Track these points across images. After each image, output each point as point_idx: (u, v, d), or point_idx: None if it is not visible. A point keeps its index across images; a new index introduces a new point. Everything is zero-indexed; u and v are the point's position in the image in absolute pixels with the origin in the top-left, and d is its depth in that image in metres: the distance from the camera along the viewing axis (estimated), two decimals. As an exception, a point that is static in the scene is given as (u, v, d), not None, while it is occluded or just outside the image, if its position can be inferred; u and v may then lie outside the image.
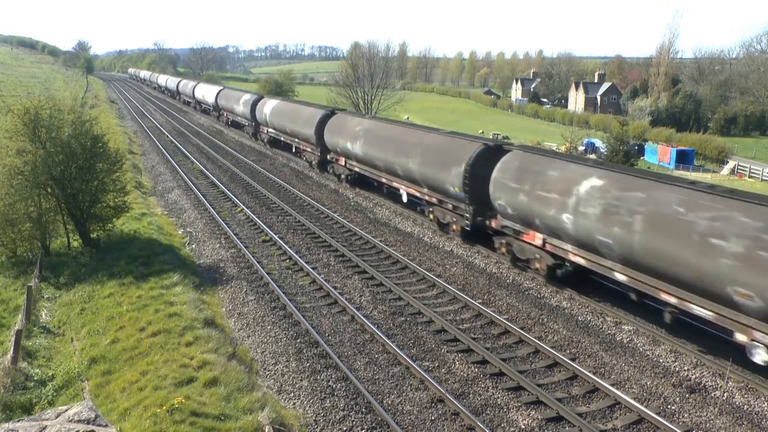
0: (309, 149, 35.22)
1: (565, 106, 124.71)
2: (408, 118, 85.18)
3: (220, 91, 60.68)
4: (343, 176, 31.19)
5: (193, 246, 22.11)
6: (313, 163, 34.86)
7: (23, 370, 12.70)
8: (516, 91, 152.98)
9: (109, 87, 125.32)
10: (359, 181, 30.24)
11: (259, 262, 19.54)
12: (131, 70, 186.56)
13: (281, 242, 21.45)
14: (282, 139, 40.77)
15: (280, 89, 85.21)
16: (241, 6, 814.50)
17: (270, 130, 43.16)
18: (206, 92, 66.96)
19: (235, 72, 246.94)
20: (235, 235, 22.58)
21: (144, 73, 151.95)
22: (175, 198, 29.90)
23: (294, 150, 38.69)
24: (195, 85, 76.23)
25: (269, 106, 42.55)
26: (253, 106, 46.26)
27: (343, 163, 30.91)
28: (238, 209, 26.88)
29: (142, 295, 16.34)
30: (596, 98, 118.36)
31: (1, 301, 17.23)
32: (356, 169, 29.42)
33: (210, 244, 22.00)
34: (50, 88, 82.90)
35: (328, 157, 32.89)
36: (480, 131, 75.41)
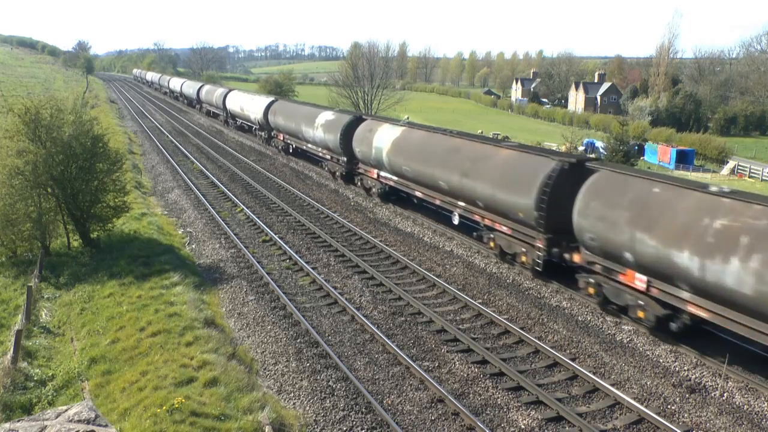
0: (507, 230, 18.56)
1: (565, 106, 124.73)
2: (408, 118, 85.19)
3: (272, 103, 43.26)
4: (678, 324, 13.79)
5: (193, 246, 22.12)
6: (526, 259, 18.02)
7: (23, 370, 12.70)
8: (516, 91, 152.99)
9: (109, 87, 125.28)
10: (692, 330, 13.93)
11: (259, 262, 19.54)
12: (136, 71, 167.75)
13: (281, 242, 21.46)
14: (418, 194, 23.87)
15: (280, 89, 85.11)
16: (241, 6, 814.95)
17: (386, 175, 25.92)
18: (248, 104, 48.51)
19: (235, 72, 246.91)
20: (235, 235, 22.58)
21: (152, 76, 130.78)
22: (175, 198, 29.91)
23: (456, 220, 21.78)
24: (226, 94, 56.75)
25: (387, 137, 25.39)
26: (347, 133, 29.10)
27: (657, 295, 13.93)
28: (238, 209, 26.88)
29: (142, 295, 16.34)
30: (596, 98, 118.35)
31: (1, 301, 17.23)
32: (700, 315, 13.06)
33: (210, 244, 22.00)
34: (50, 88, 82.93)
35: (579, 258, 16.26)
36: (479, 131, 75.43)
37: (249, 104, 48.11)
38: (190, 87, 78.83)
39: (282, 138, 40.84)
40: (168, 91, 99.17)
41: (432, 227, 23.66)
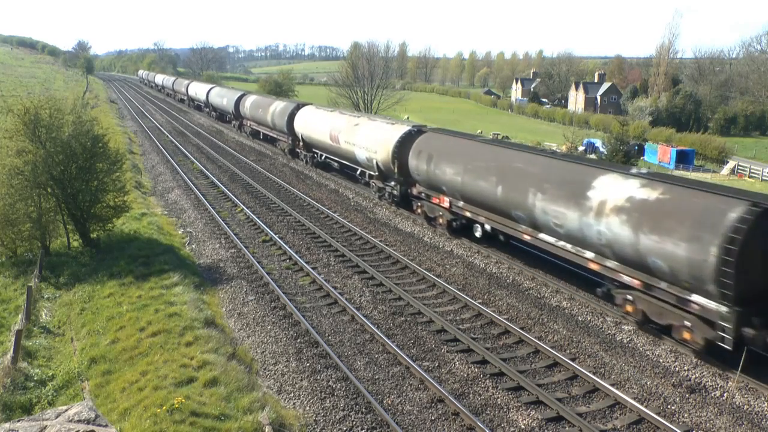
0: None
1: (565, 106, 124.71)
2: (408, 118, 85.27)
3: (420, 135, 24.03)
4: None
5: (193, 246, 22.12)
6: None
7: (23, 370, 12.71)
8: (516, 91, 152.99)
9: (109, 87, 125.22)
10: None
11: (259, 262, 19.54)
12: (142, 73, 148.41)
13: (281, 242, 21.46)
14: None
15: (279, 89, 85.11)
16: (241, 6, 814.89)
17: None
18: (354, 134, 28.39)
19: (235, 72, 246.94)
20: (235, 235, 22.58)
21: (163, 79, 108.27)
22: (175, 198, 29.91)
23: None
24: (294, 111, 37.67)
25: None
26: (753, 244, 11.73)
27: None
28: (238, 209, 26.88)
29: (142, 295, 16.35)
30: (596, 98, 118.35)
31: (1, 301, 17.24)
32: None
33: (210, 244, 22.00)
34: (50, 88, 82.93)
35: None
36: (479, 131, 75.47)
37: (357, 135, 27.92)
38: (221, 96, 58.86)
39: (447, 205, 21.38)
40: (186, 98, 79.36)
41: (432, 227, 23.66)
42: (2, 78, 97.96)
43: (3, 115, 22.98)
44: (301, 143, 36.91)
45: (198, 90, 71.98)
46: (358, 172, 29.61)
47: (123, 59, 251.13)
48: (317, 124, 33.80)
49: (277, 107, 41.33)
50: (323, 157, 34.44)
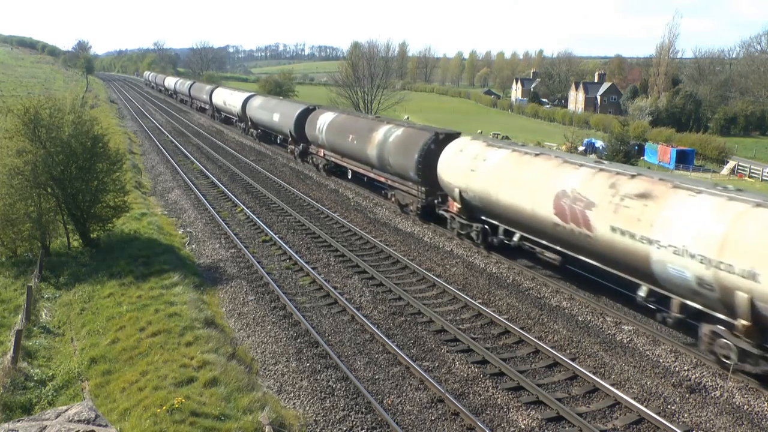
0: None
1: (565, 106, 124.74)
2: (408, 118, 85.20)
3: None
4: None
5: (193, 246, 22.12)
6: None
7: (23, 370, 12.70)
8: (516, 91, 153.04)
9: (109, 87, 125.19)
10: None
11: (259, 262, 19.54)
12: (149, 75, 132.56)
13: (281, 242, 21.46)
14: None
15: (280, 89, 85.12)
16: (241, 6, 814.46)
17: None
18: (621, 205, 13.86)
19: (235, 72, 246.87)
20: (235, 235, 22.58)
21: (174, 83, 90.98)
22: (175, 198, 29.91)
23: None
24: (432, 144, 22.53)
25: None
26: None
27: None
28: (238, 209, 26.88)
29: (142, 295, 16.34)
30: (596, 98, 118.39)
31: (1, 301, 17.23)
32: None
33: (210, 244, 22.00)
34: (50, 88, 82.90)
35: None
36: (479, 131, 75.45)
37: (657, 220, 13.14)
38: (270, 111, 42.09)
39: None
40: (209, 108, 63.58)
41: (432, 227, 23.63)
42: (2, 78, 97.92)
43: (3, 115, 22.97)
44: (456, 205, 21.26)
45: (228, 98, 53.62)
46: (640, 294, 14.60)
47: (123, 59, 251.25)
48: (509, 176, 18.14)
49: (392, 135, 25.38)
50: (516, 238, 18.69)
